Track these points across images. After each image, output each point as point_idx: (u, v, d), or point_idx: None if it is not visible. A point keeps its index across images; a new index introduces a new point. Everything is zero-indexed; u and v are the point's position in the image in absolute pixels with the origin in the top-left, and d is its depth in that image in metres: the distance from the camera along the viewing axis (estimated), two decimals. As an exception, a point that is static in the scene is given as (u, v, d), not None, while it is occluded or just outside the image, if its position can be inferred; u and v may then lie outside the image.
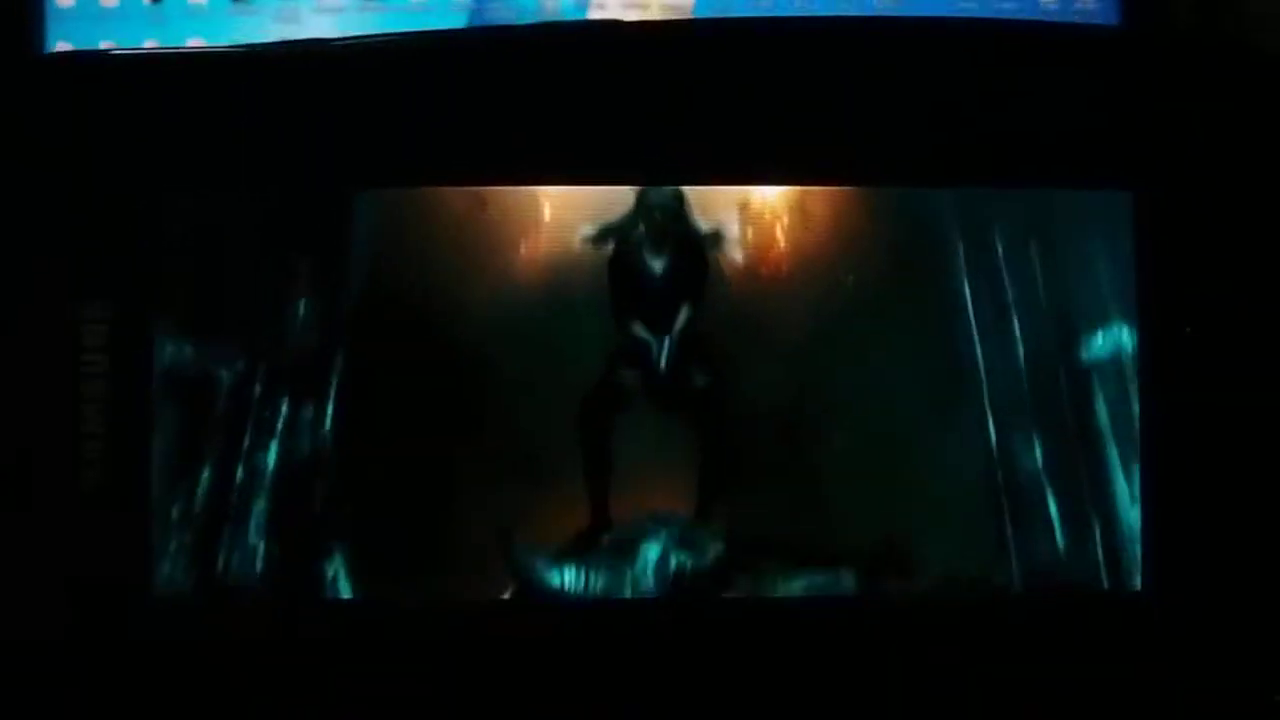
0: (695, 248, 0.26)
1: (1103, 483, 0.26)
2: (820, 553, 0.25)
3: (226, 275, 0.25)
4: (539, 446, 0.25)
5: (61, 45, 0.40)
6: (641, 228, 0.26)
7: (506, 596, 0.25)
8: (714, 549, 0.25)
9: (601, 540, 0.25)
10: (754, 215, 0.26)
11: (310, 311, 0.25)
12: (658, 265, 0.26)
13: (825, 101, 0.25)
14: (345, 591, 0.25)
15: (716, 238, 0.26)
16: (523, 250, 0.26)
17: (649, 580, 0.25)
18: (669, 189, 0.25)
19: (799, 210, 0.26)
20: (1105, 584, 0.25)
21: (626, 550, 0.25)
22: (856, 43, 0.26)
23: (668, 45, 0.25)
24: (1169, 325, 0.25)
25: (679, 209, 0.26)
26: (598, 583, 0.25)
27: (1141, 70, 0.25)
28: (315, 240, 0.26)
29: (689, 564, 0.25)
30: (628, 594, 0.25)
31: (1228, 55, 0.26)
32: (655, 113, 0.25)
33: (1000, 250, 0.26)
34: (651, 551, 0.25)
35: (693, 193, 0.26)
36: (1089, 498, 0.25)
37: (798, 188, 0.25)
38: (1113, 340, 0.25)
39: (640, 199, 0.25)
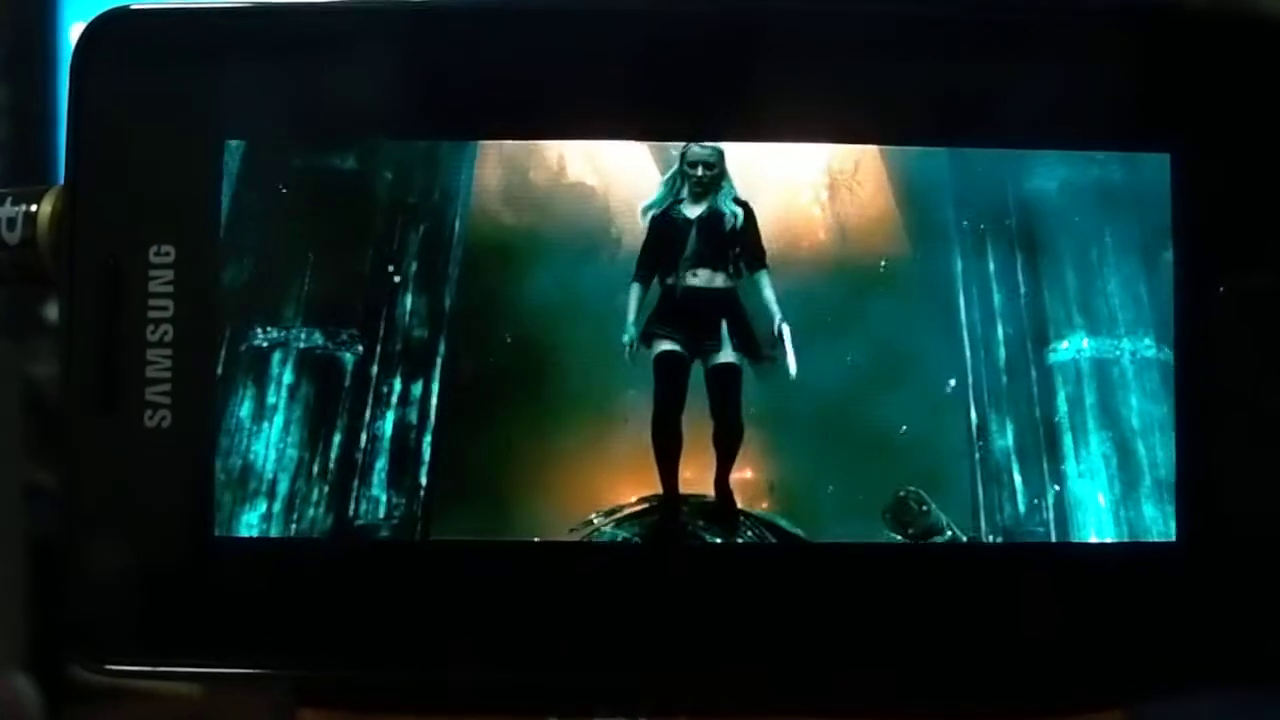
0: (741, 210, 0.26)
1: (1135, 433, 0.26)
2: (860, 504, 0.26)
3: (296, 228, 0.26)
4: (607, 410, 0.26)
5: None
6: (685, 189, 0.26)
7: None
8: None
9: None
10: (797, 178, 0.26)
11: (382, 262, 0.26)
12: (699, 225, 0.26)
13: (868, 64, 0.26)
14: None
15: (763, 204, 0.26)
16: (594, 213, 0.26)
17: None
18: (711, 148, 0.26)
19: (847, 173, 0.26)
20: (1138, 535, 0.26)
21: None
22: (903, 9, 0.27)
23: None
24: (1205, 284, 0.26)
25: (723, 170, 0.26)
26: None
27: (1182, 39, 0.26)
28: (382, 192, 0.26)
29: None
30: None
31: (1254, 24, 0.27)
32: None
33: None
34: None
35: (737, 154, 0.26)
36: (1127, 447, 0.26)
37: (840, 148, 0.26)
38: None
39: (683, 158, 0.26)
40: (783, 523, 0.26)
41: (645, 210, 0.26)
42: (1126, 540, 0.26)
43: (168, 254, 0.25)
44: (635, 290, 0.26)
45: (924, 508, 0.26)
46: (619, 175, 0.26)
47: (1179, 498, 0.26)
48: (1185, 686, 0.27)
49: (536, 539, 0.25)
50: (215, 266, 0.26)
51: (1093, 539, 0.26)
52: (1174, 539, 0.26)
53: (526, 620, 0.25)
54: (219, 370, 0.26)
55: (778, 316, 0.26)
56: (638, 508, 0.26)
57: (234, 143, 0.26)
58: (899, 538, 0.26)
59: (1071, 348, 0.26)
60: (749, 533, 0.26)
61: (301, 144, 0.26)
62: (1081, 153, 0.26)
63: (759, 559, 0.26)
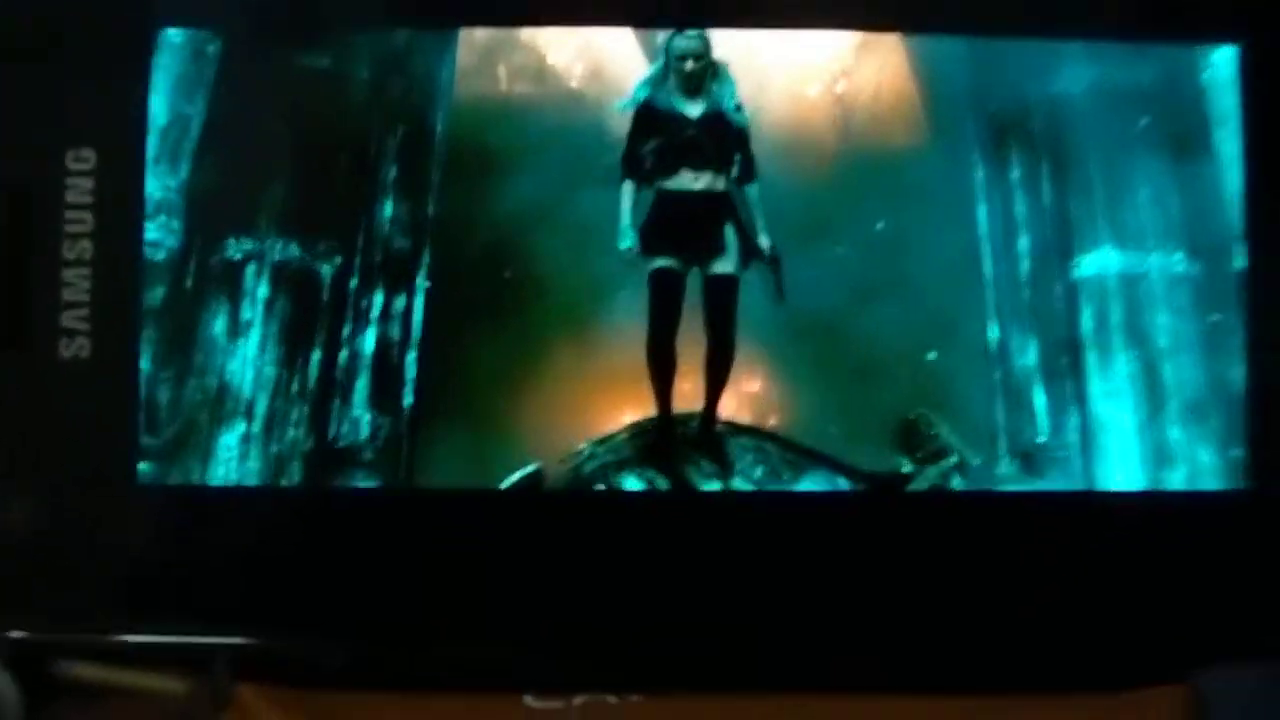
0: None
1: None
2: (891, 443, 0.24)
3: (238, 130, 0.23)
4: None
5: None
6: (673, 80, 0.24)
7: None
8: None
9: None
10: (801, 76, 0.24)
11: (318, 173, 0.24)
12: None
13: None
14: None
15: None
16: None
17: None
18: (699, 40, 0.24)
19: (859, 63, 0.24)
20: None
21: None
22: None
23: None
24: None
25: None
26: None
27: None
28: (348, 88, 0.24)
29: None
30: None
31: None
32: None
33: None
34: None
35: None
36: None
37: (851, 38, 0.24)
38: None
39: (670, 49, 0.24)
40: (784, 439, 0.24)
41: (624, 107, 0.24)
42: (1196, 490, 0.23)
43: (87, 160, 0.23)
44: (628, 189, 0.24)
45: (932, 431, 0.24)
46: (609, 69, 0.24)
47: (1251, 438, 0.23)
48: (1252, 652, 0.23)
49: (513, 487, 0.23)
50: (141, 174, 0.23)
51: (1140, 488, 0.24)
52: (1248, 486, 0.23)
53: (492, 581, 0.23)
54: (144, 292, 0.22)
55: (768, 241, 0.24)
56: (629, 433, 0.24)
57: (168, 31, 0.23)
58: (907, 462, 0.24)
59: (1098, 261, 0.24)
60: (747, 456, 0.24)
61: (247, 33, 0.23)
62: (1125, 49, 0.24)
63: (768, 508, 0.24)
